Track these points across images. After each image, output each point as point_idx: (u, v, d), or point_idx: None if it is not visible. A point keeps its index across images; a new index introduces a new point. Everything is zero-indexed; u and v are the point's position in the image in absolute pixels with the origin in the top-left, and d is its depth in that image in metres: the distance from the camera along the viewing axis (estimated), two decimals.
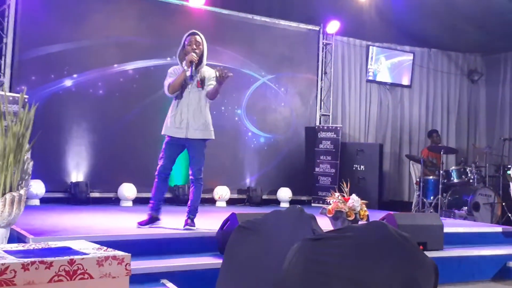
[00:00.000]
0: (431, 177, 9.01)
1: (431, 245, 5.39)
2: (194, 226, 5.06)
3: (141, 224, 5.02)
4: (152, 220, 5.10)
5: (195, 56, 4.99)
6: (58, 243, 2.02)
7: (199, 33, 5.12)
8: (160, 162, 5.09)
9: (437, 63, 11.10)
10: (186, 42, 5.09)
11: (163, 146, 5.10)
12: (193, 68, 4.98)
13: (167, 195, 8.10)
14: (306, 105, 9.74)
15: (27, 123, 4.12)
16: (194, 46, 5.03)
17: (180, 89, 5.01)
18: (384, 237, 1.76)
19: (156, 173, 5.11)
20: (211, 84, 5.10)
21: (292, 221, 2.34)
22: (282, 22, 9.48)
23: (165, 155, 5.08)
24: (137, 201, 7.72)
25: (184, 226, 5.04)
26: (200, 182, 5.15)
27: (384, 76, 10.60)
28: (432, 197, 8.81)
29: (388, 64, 10.60)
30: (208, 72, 5.15)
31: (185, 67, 4.99)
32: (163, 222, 5.26)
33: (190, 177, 5.15)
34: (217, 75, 4.88)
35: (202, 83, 5.07)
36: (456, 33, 10.26)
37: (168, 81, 5.03)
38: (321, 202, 8.95)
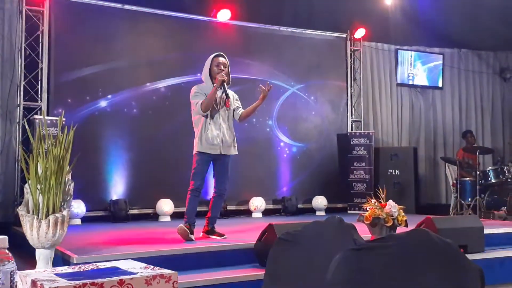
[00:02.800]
0: (468, 178, 8.88)
1: (472, 247, 5.31)
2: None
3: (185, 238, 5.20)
4: (191, 232, 5.24)
5: (225, 76, 5.26)
6: (106, 264, 2.08)
7: (223, 54, 5.41)
8: (195, 180, 5.27)
9: (468, 63, 10.97)
10: (213, 64, 5.35)
11: (196, 164, 5.29)
12: (225, 87, 5.24)
13: (205, 208, 8.18)
14: (337, 112, 9.74)
15: (67, 145, 4.24)
16: (222, 67, 5.31)
17: (210, 107, 5.22)
18: (427, 245, 1.77)
19: (190, 189, 5.29)
20: (239, 107, 5.47)
21: (332, 232, 2.36)
22: (309, 32, 9.51)
23: (199, 172, 5.29)
24: (175, 216, 7.81)
25: (218, 236, 5.35)
26: (225, 195, 5.53)
27: (421, 79, 10.54)
28: (470, 199, 8.69)
29: (425, 69, 10.54)
30: (232, 94, 5.46)
31: (217, 87, 5.21)
32: (202, 236, 5.37)
33: (215, 190, 5.42)
34: (263, 90, 5.27)
35: (229, 103, 5.36)
36: (485, 32, 10.13)
37: (197, 100, 5.23)
38: (357, 209, 8.92)
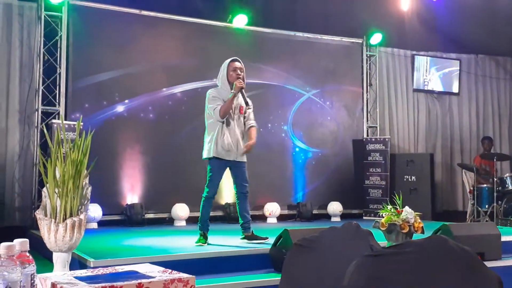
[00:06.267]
0: (485, 185, 8.80)
1: (489, 255, 5.27)
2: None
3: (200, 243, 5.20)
4: (206, 237, 5.26)
5: (243, 82, 5.24)
6: (124, 267, 2.10)
7: (239, 59, 5.39)
8: (211, 188, 5.27)
9: (485, 68, 10.89)
10: (229, 68, 5.32)
11: (212, 172, 5.26)
12: (244, 94, 5.23)
13: (220, 213, 8.22)
14: (352, 117, 9.71)
15: (85, 150, 4.28)
16: (239, 72, 5.28)
17: (228, 114, 5.21)
18: (445, 252, 1.76)
19: (205, 196, 5.28)
20: (249, 120, 5.44)
21: (349, 238, 2.36)
22: (325, 37, 9.52)
23: (214, 178, 5.27)
24: (190, 220, 7.85)
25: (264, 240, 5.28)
26: (248, 196, 5.47)
27: (436, 85, 10.48)
28: (487, 206, 8.60)
29: (440, 74, 10.49)
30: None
31: (236, 94, 5.19)
32: (217, 241, 5.38)
33: (238, 194, 5.37)
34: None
35: (244, 109, 5.35)
36: (502, 37, 10.06)
37: (215, 105, 5.19)
38: (372, 215, 8.88)
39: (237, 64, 5.33)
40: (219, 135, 5.20)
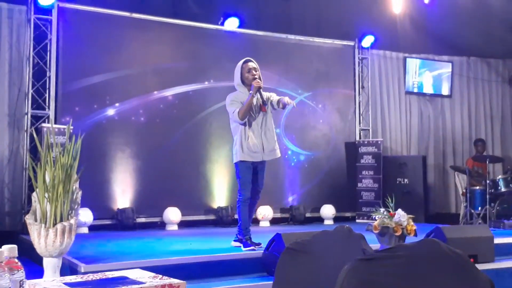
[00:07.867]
0: (477, 187, 8.80)
1: (482, 257, 5.28)
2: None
3: (246, 246, 5.17)
4: (251, 240, 5.24)
5: (260, 82, 5.20)
6: (114, 273, 2.07)
7: (252, 59, 5.35)
8: (245, 190, 5.23)
9: (477, 71, 10.92)
10: (243, 70, 5.28)
11: (241, 174, 5.24)
12: (261, 93, 5.21)
13: (212, 217, 8.19)
14: (345, 120, 9.71)
15: (75, 154, 4.25)
16: (254, 72, 5.25)
17: (248, 115, 5.17)
18: (437, 255, 1.75)
19: (242, 200, 5.24)
20: (273, 100, 5.35)
21: (341, 241, 2.34)
22: (317, 40, 9.51)
23: (246, 181, 5.24)
24: (182, 225, 7.81)
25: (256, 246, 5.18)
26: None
27: (428, 87, 10.51)
28: (480, 208, 8.59)
29: (430, 77, 10.51)
30: (266, 96, 5.37)
31: (254, 94, 5.15)
32: (209, 245, 5.35)
33: (251, 196, 5.30)
34: (284, 104, 5.19)
35: (264, 107, 5.29)
36: (494, 40, 10.10)
37: (233, 108, 5.17)
38: (365, 218, 8.88)
39: (251, 64, 5.29)
40: (243, 137, 5.18)
